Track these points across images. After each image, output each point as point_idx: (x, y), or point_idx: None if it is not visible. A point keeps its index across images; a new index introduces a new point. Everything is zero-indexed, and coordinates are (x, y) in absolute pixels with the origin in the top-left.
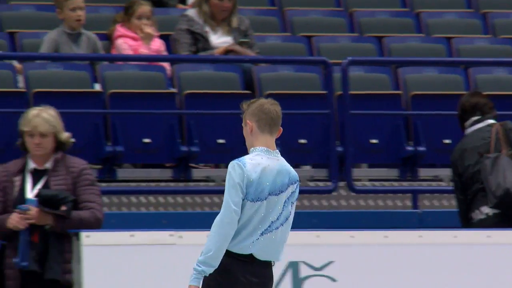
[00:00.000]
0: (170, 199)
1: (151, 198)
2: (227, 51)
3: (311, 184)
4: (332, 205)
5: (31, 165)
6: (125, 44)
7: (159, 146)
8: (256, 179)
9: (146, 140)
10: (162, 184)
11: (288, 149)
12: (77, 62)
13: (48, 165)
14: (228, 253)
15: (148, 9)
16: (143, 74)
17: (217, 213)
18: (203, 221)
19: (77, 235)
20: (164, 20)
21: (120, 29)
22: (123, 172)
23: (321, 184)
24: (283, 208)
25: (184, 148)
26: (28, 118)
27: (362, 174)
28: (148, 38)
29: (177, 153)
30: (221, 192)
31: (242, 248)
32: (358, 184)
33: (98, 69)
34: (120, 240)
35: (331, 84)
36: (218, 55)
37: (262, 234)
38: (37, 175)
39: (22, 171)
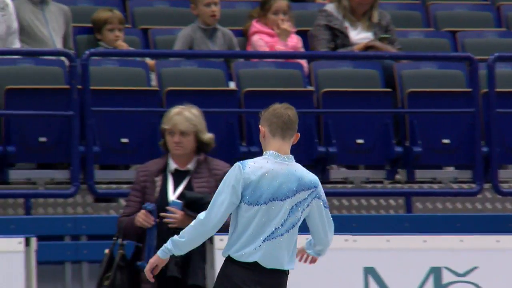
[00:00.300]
0: None
1: None
2: (367, 47)
3: (455, 186)
4: (477, 208)
5: (172, 165)
6: (261, 40)
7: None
8: (254, 183)
9: None
10: None
11: (430, 149)
12: (212, 59)
13: (190, 166)
14: (232, 260)
15: (285, 4)
16: (279, 71)
17: (356, 216)
18: (340, 225)
19: (210, 239)
20: (301, 15)
21: (256, 25)
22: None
23: (465, 186)
24: (288, 214)
25: (321, 149)
26: (169, 116)
27: (509, 175)
28: (284, 34)
29: (314, 154)
30: (360, 194)
31: (244, 255)
32: (504, 186)
33: (233, 66)
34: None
35: (476, 82)
36: (357, 52)
37: (264, 240)
38: (178, 176)
39: (163, 171)
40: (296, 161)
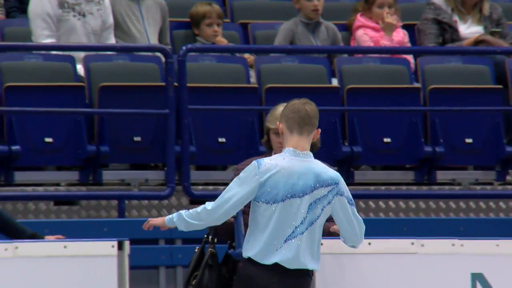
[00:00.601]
0: (411, 204)
1: (391, 203)
2: (477, 42)
3: None
4: None
5: None
6: (366, 35)
7: (400, 146)
8: (269, 180)
9: (387, 140)
10: (403, 187)
11: None
12: (314, 55)
13: None
14: (252, 262)
15: None
16: (384, 67)
17: (464, 220)
18: (447, 228)
19: None
20: (408, 8)
21: (360, 19)
22: (362, 175)
23: None
24: (307, 211)
25: (428, 149)
26: (275, 115)
27: None
28: (390, 28)
29: (421, 154)
30: (468, 196)
31: (265, 257)
32: None
33: (336, 62)
34: (350, 248)
35: None
36: (467, 47)
37: (286, 240)
38: None
39: None
40: (396, 164)
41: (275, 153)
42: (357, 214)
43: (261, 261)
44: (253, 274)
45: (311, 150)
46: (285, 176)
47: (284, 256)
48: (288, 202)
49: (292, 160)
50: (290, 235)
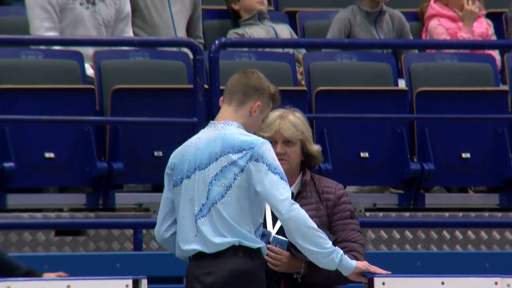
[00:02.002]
0: (495, 234)
1: (470, 233)
2: None
3: None
4: None
5: None
6: (441, 26)
7: (483, 163)
8: (178, 163)
9: (465, 155)
10: (485, 214)
11: None
12: (375, 50)
13: (293, 187)
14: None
15: None
16: (463, 66)
17: None
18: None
19: (371, 282)
20: None
21: (434, 7)
22: (434, 198)
23: None
24: (210, 184)
25: None
26: (268, 121)
27: None
28: (470, 17)
29: (508, 173)
30: None
31: (186, 250)
32: None
33: (404, 59)
34: None
35: None
36: None
37: (196, 221)
38: None
39: None
40: (477, 185)
41: None
42: (282, 184)
43: (187, 255)
44: (187, 269)
45: (309, 164)
46: (192, 149)
47: (200, 242)
48: (193, 177)
49: (205, 132)
50: (197, 214)
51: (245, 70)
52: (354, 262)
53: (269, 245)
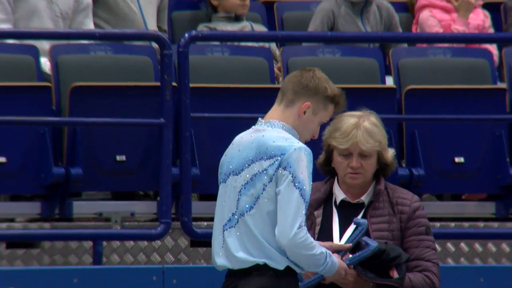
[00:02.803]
0: (491, 246)
1: (463, 246)
2: None
3: None
4: None
5: (340, 195)
6: (433, 18)
7: (478, 168)
8: (222, 162)
9: (459, 160)
10: (480, 224)
11: None
12: (361, 44)
13: (365, 197)
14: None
15: None
16: (457, 61)
17: None
18: None
19: None
20: None
21: None
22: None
23: None
24: (239, 192)
25: None
26: (342, 129)
27: None
28: (467, 8)
29: (505, 179)
30: None
31: (214, 261)
32: None
33: (392, 54)
34: None
35: None
36: None
37: (223, 232)
38: (346, 211)
39: (324, 201)
40: (479, 188)
41: (341, 181)
42: (300, 202)
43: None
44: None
45: (383, 173)
46: (233, 149)
47: (225, 255)
48: (228, 181)
49: (249, 131)
50: (226, 224)
51: (306, 67)
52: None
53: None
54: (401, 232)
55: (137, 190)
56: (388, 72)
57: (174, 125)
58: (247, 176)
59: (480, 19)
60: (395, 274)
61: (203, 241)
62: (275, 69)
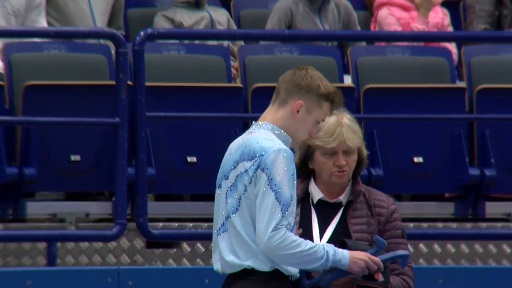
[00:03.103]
0: (450, 247)
1: (422, 246)
2: None
3: None
4: None
5: (317, 194)
6: (391, 16)
7: (437, 167)
8: (220, 166)
9: (417, 160)
10: (439, 225)
11: None
12: (320, 43)
13: (343, 197)
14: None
15: None
16: (416, 60)
17: None
18: (497, 281)
19: None
20: None
21: None
22: None
23: None
24: (226, 195)
25: (475, 172)
26: (327, 128)
27: None
28: (426, 6)
29: (465, 179)
30: None
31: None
32: None
33: (350, 53)
34: None
35: None
36: None
37: (218, 236)
38: (324, 210)
39: (302, 200)
40: (438, 188)
41: (320, 180)
42: (276, 205)
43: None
44: None
45: (358, 170)
46: (226, 154)
47: (221, 259)
48: (222, 186)
49: (242, 135)
50: (219, 229)
51: (299, 66)
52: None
53: None
54: (379, 234)
55: (92, 190)
56: (347, 71)
57: (129, 125)
58: (233, 177)
59: (439, 17)
60: (380, 277)
61: (159, 242)
62: (232, 70)
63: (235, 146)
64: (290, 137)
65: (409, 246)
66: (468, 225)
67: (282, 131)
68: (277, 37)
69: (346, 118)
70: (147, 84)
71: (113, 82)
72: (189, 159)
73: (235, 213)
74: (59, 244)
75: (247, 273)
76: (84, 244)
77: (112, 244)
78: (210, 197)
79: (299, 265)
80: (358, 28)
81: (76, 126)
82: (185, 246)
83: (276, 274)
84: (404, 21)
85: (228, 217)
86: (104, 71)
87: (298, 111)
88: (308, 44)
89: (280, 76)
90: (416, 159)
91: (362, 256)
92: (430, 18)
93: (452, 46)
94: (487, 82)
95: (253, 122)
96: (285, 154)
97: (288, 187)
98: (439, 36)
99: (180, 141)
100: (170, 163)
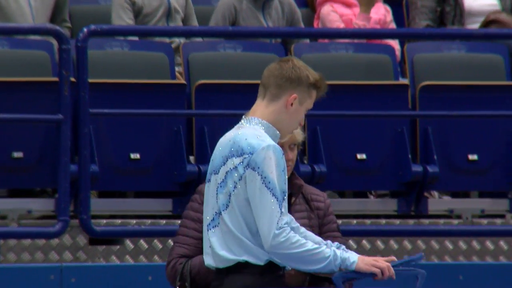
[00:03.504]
0: (393, 244)
1: (365, 243)
2: (488, 23)
3: None
4: None
5: None
6: (334, 13)
7: (381, 164)
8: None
9: (361, 156)
10: (382, 221)
11: None
12: (263, 39)
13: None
14: None
15: None
16: (359, 57)
17: (465, 266)
18: (441, 277)
19: None
20: None
21: None
22: None
23: None
24: (217, 190)
25: (417, 168)
26: None
27: None
28: (367, 3)
29: (407, 175)
30: (472, 233)
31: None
32: None
33: (294, 50)
34: None
35: None
36: (473, 29)
37: (208, 230)
38: None
39: None
40: (382, 185)
41: None
42: (271, 200)
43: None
44: None
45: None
46: (216, 149)
47: (211, 253)
48: (211, 180)
49: (231, 130)
50: (209, 224)
51: (282, 58)
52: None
53: None
54: (318, 228)
55: (35, 187)
56: None
57: (72, 121)
58: (223, 174)
59: (381, 14)
60: None
61: (102, 239)
62: (176, 71)
63: (225, 141)
64: (280, 131)
65: (351, 242)
66: (411, 221)
67: (271, 125)
68: (220, 34)
69: None
70: (90, 80)
71: (56, 79)
72: (132, 156)
73: (225, 210)
74: (1, 241)
75: (241, 267)
76: (27, 241)
77: (55, 241)
78: (153, 194)
79: (304, 264)
80: (302, 25)
81: (18, 122)
82: (128, 243)
83: (271, 267)
84: (347, 18)
85: (219, 213)
86: (47, 67)
87: (292, 104)
88: (252, 41)
89: (222, 72)
90: (359, 156)
91: (368, 258)
92: (372, 15)
93: (395, 43)
94: (430, 79)
95: (243, 116)
96: (273, 150)
97: (281, 183)
98: (382, 33)
99: (124, 138)
100: (113, 160)
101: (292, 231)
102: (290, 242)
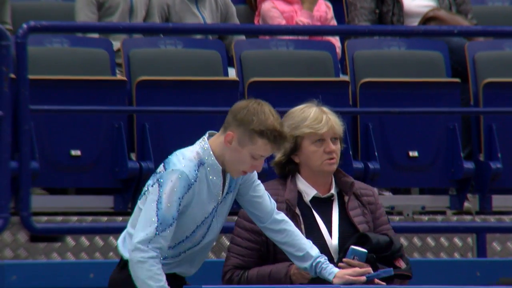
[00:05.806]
0: None
1: None
2: (427, 20)
3: None
4: None
5: (309, 191)
6: (275, 9)
7: None
8: None
9: None
10: None
11: None
12: (200, 36)
13: (334, 190)
14: None
15: None
16: (300, 54)
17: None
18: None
19: None
20: None
21: None
22: None
23: None
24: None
25: (358, 165)
26: (313, 116)
27: None
28: (311, 0)
29: (349, 171)
30: (413, 230)
31: None
32: None
33: (235, 47)
34: None
35: None
36: (413, 26)
37: None
38: (320, 207)
39: (295, 201)
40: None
41: (309, 175)
42: (153, 207)
43: None
44: None
45: None
46: None
47: None
48: None
49: None
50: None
51: (257, 99)
52: None
53: (345, 259)
54: (372, 222)
55: None
56: (231, 64)
57: (12, 118)
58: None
59: (322, 11)
60: (402, 264)
61: (43, 236)
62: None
63: None
64: (226, 167)
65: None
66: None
67: (212, 155)
68: (158, 30)
69: (325, 108)
70: (30, 77)
71: None
72: (73, 152)
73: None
74: None
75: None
76: None
77: None
78: (94, 191)
79: None
80: (236, 20)
81: None
82: (70, 240)
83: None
84: (288, 15)
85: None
86: None
87: (230, 142)
88: (189, 37)
89: (163, 69)
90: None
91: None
92: (315, 12)
93: (335, 40)
94: (371, 76)
95: (208, 131)
96: (180, 176)
97: (171, 209)
98: (323, 30)
99: (64, 135)
100: (54, 156)
101: (155, 260)
102: (145, 265)
